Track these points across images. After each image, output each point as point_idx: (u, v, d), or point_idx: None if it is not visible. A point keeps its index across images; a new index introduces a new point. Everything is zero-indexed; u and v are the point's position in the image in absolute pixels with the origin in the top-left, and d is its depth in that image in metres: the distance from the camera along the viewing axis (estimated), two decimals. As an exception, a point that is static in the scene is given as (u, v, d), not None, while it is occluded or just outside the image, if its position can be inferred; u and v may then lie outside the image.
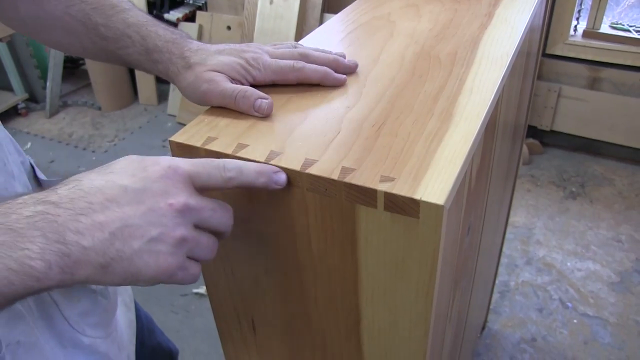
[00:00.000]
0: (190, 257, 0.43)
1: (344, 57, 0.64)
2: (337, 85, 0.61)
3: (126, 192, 0.40)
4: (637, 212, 2.38)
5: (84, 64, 3.54)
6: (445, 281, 0.53)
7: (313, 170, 0.47)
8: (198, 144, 0.52)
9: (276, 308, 0.61)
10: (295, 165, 0.48)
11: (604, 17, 2.54)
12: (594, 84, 2.61)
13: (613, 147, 2.72)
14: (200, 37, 3.02)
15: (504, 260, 2.09)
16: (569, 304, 1.91)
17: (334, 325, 0.58)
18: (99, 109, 3.32)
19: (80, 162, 2.82)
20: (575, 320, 1.84)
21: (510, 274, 2.05)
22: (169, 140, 0.53)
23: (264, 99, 0.55)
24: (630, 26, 2.56)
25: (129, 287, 0.80)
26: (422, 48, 0.70)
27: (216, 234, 0.45)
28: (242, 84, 0.57)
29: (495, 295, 1.93)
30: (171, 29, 0.60)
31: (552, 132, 2.79)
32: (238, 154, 0.50)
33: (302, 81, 0.60)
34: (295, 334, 0.62)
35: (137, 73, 3.23)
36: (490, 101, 0.57)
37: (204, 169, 0.44)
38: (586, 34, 2.57)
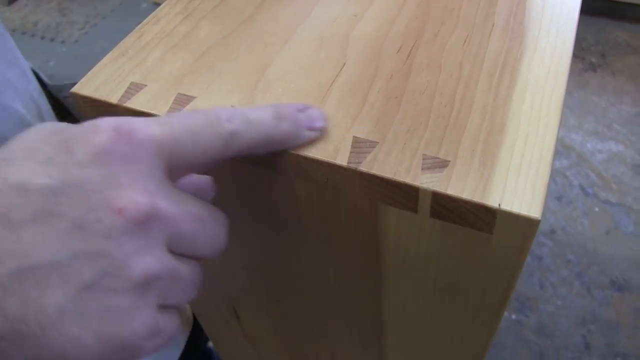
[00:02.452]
0: (162, 305, 0.22)
1: None
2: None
3: (28, 198, 0.20)
4: (664, 80, 2.17)
5: (39, -63, 3.10)
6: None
7: (301, 148, 0.27)
8: (114, 98, 0.31)
9: (262, 304, 0.44)
10: (274, 138, 0.28)
11: None
12: None
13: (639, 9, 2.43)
14: None
15: (519, 145, 1.92)
16: (590, 190, 1.77)
17: (347, 334, 0.41)
18: (64, -9, 2.95)
19: (49, 55, 2.54)
20: (596, 209, 1.71)
21: (525, 160, 1.89)
22: (71, 92, 0.33)
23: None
24: None
25: None
26: None
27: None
28: None
29: (510, 185, 1.79)
30: None
31: (573, -6, 2.47)
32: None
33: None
34: (294, 341, 0.46)
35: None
36: (582, -6, 0.35)
37: (186, 127, 0.23)
38: None
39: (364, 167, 0.26)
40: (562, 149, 1.94)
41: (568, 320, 1.45)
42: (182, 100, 0.31)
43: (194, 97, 0.31)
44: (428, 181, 0.25)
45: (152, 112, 0.30)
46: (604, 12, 2.49)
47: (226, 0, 0.38)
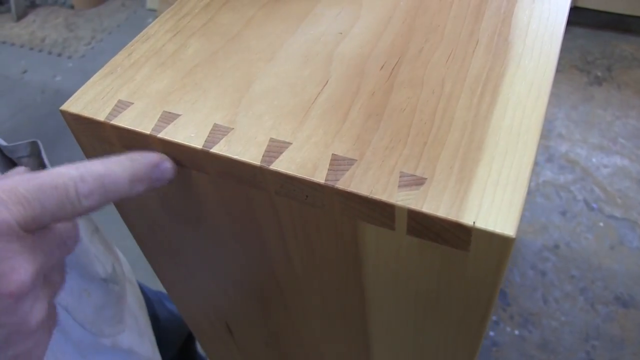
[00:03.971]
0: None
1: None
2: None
3: None
4: (669, 97, 2.16)
5: (49, -46, 3.15)
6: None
7: (283, 163, 0.28)
8: (101, 116, 0.32)
9: (254, 318, 0.44)
10: (254, 155, 0.28)
11: None
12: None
13: (645, 22, 2.43)
14: None
15: (523, 159, 1.91)
16: (595, 205, 1.76)
17: (336, 349, 0.41)
18: (72, 7, 2.99)
19: (56, 70, 2.57)
20: (601, 224, 1.70)
21: (529, 174, 1.89)
22: (60, 111, 0.33)
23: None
24: None
25: (122, 256, 0.64)
26: None
27: None
28: None
29: (514, 199, 1.78)
30: None
31: (576, 8, 2.48)
32: (161, 135, 0.30)
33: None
34: (286, 355, 0.46)
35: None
36: (567, 11, 0.36)
37: (41, 205, 0.24)
38: None
39: (341, 185, 0.26)
40: (566, 163, 1.93)
41: (572, 336, 1.43)
42: (168, 118, 0.31)
43: (178, 115, 0.31)
44: (404, 199, 0.25)
45: (137, 129, 0.31)
46: (609, 25, 2.49)
47: (215, 17, 0.38)
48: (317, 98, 0.31)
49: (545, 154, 1.97)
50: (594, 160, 1.93)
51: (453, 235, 0.25)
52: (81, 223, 0.44)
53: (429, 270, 0.28)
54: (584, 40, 2.48)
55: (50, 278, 0.26)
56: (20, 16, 2.96)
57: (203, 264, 0.40)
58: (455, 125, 0.28)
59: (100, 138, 0.33)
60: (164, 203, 0.36)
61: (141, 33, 0.38)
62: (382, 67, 0.33)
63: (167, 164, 0.30)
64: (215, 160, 0.29)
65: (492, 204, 0.24)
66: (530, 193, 1.82)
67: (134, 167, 0.27)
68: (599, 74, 2.30)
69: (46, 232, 0.25)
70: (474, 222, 0.24)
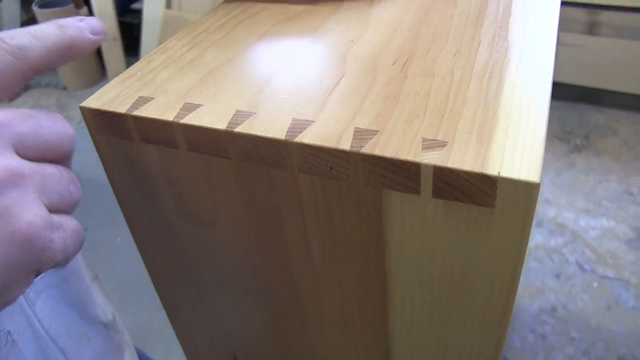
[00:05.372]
0: (51, 208, 0.23)
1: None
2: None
3: None
4: (647, 162, 2.23)
5: (44, 42, 3.27)
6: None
7: (307, 137, 0.28)
8: (123, 108, 0.33)
9: (265, 340, 0.43)
10: (278, 132, 0.29)
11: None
12: (592, 29, 2.43)
13: (615, 95, 2.56)
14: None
15: (512, 223, 1.93)
16: (587, 267, 1.76)
17: (351, 360, 0.40)
18: (64, 88, 3.07)
19: (46, 148, 2.59)
20: (595, 284, 1.69)
21: (520, 238, 1.89)
22: (80, 107, 0.34)
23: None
24: (630, -38, 2.37)
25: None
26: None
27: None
28: None
29: (507, 263, 1.78)
30: None
31: (552, 82, 2.60)
32: (184, 120, 0.31)
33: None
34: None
35: (105, 46, 2.98)
36: (557, 21, 0.38)
37: None
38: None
39: (366, 150, 0.27)
40: (556, 227, 1.95)
41: (578, 397, 1.38)
42: (189, 107, 0.32)
43: (200, 105, 0.32)
44: (428, 158, 0.26)
45: (160, 118, 0.31)
46: (583, 98, 2.61)
47: (230, 33, 0.41)
48: (335, 87, 0.32)
49: (535, 219, 1.99)
50: (582, 223, 1.95)
51: (478, 190, 0.25)
52: (82, 268, 0.43)
53: (454, 237, 0.28)
54: (561, 112, 2.59)
55: (25, 150, 0.23)
56: (12, 98, 3.02)
57: (213, 276, 0.40)
58: (469, 103, 0.30)
59: (120, 133, 0.33)
60: (179, 204, 0.36)
61: (158, 47, 0.40)
62: (394, 63, 0.34)
63: (91, 19, 0.29)
64: (238, 140, 0.30)
65: (514, 158, 0.25)
66: (521, 257, 1.82)
67: (56, 20, 0.28)
68: (578, 142, 2.38)
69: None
70: (498, 172, 0.24)
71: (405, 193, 0.27)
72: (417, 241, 0.29)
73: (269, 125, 0.30)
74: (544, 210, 2.02)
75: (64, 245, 0.23)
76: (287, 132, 0.29)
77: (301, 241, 0.33)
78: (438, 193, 0.26)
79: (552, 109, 2.58)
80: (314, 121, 0.29)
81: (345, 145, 0.27)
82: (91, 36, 0.28)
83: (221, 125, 0.30)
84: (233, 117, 0.31)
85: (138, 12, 2.85)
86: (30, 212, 0.21)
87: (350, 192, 0.29)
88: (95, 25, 0.29)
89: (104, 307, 0.44)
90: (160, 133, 0.32)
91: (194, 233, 0.37)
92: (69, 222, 0.23)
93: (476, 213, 0.26)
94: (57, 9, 2.80)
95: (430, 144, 0.27)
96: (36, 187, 0.22)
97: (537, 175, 0.24)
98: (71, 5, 2.49)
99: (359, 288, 0.34)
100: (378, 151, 0.27)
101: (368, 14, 0.41)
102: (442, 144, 0.27)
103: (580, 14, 2.39)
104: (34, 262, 0.21)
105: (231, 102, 0.32)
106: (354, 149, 0.27)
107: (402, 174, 0.27)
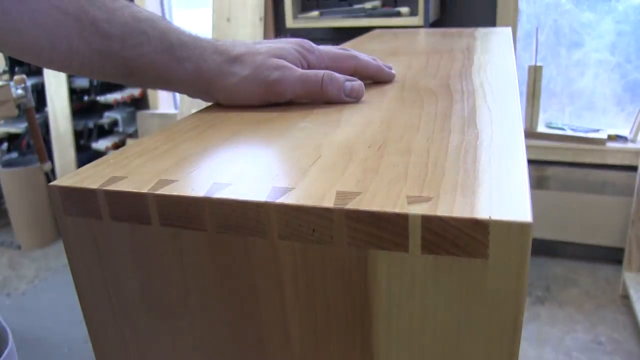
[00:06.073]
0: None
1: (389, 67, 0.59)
2: (390, 80, 0.57)
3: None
4: (609, 311, 2.25)
5: (3, 203, 3.25)
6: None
7: (288, 199, 0.28)
8: (95, 185, 0.32)
9: None
10: (257, 196, 0.28)
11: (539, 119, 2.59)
12: (541, 183, 2.59)
13: (569, 246, 2.65)
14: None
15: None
16: (567, 422, 1.66)
17: None
18: (19, 247, 2.98)
19: (-10, 309, 2.43)
20: None
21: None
22: (49, 186, 0.33)
23: (352, 80, 0.50)
24: (564, 125, 2.62)
25: None
26: (404, 84, 0.55)
27: None
28: None
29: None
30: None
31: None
32: (159, 191, 0.30)
33: (360, 70, 0.55)
34: None
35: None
36: (519, 111, 0.41)
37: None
38: (526, 134, 2.59)
39: (351, 206, 0.26)
40: (528, 380, 1.88)
41: None
42: (164, 182, 0.31)
43: (175, 180, 0.31)
44: (416, 209, 0.25)
45: (133, 190, 0.30)
46: (541, 250, 2.68)
47: (205, 131, 0.41)
48: (312, 165, 0.32)
49: (506, 372, 1.91)
50: (555, 375, 1.89)
51: (470, 239, 0.24)
52: None
53: (447, 300, 0.26)
54: (519, 264, 2.64)
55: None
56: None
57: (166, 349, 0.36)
58: (448, 171, 0.30)
59: (89, 212, 0.32)
60: (146, 291, 0.33)
61: (133, 142, 0.40)
62: (369, 147, 0.35)
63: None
64: (217, 207, 0.29)
65: (502, 202, 0.25)
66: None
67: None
68: (540, 294, 2.40)
69: None
70: (489, 216, 0.24)
71: (393, 252, 0.26)
72: (406, 309, 0.27)
73: (248, 191, 0.29)
74: (515, 361, 1.95)
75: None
76: (267, 197, 0.28)
77: (279, 327, 0.30)
78: (428, 247, 0.25)
79: (510, 260, 2.63)
80: (294, 188, 0.29)
81: (329, 203, 0.27)
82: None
83: (199, 193, 0.29)
84: (210, 187, 0.30)
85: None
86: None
87: (333, 258, 0.27)
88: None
89: None
90: (132, 208, 0.31)
91: (160, 328, 0.34)
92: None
93: (469, 267, 0.25)
94: (21, 168, 2.83)
95: (415, 199, 0.26)
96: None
97: (529, 215, 0.23)
98: (37, 164, 2.52)
99: (343, 379, 0.31)
100: (363, 207, 0.26)
101: (339, 116, 0.43)
102: (428, 199, 0.26)
103: (529, 170, 2.57)
104: None
105: (208, 177, 0.31)
106: (338, 206, 0.26)
107: (389, 229, 0.26)
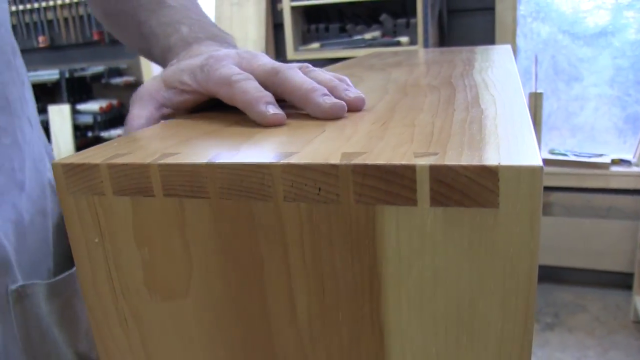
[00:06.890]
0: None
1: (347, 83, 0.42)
2: (321, 114, 0.38)
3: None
4: (621, 336, 2.20)
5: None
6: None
7: (293, 159, 0.27)
8: (98, 160, 0.31)
9: None
10: (262, 159, 0.28)
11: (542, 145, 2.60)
12: (545, 209, 2.58)
13: (576, 272, 2.62)
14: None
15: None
16: None
17: None
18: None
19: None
20: None
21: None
22: (52, 164, 0.33)
23: (271, 104, 0.38)
24: (566, 151, 2.62)
25: None
26: (406, 81, 0.55)
27: None
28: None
29: None
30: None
31: (513, 262, 2.66)
32: (164, 161, 0.30)
33: (230, 101, 0.40)
34: None
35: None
36: (523, 97, 0.41)
37: None
38: (528, 160, 2.58)
39: (357, 161, 0.26)
40: (541, 409, 1.83)
41: None
42: (167, 155, 0.31)
43: (178, 153, 0.31)
44: (424, 161, 0.25)
45: (137, 162, 0.30)
46: (548, 277, 2.65)
47: (212, 119, 0.41)
48: (317, 136, 0.32)
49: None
50: (569, 403, 1.84)
51: (480, 188, 0.24)
52: None
53: (458, 256, 0.25)
54: (526, 292, 2.60)
55: None
56: None
57: (166, 325, 0.34)
58: (454, 135, 0.30)
59: (92, 188, 0.31)
60: (148, 270, 0.32)
61: (136, 132, 0.40)
62: (373, 123, 0.35)
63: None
64: (219, 172, 0.28)
65: (509, 151, 0.25)
66: None
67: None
68: (549, 320, 2.36)
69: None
70: (499, 162, 0.23)
71: (401, 206, 0.25)
72: (416, 269, 0.26)
73: (252, 157, 0.28)
74: (527, 390, 1.90)
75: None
76: (272, 158, 0.28)
77: (284, 299, 0.30)
78: (436, 199, 0.25)
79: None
80: (298, 152, 0.29)
81: (335, 161, 0.26)
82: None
83: (201, 160, 0.29)
84: (213, 155, 0.29)
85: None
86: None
87: (340, 217, 0.27)
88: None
89: None
90: (135, 180, 0.30)
91: (162, 309, 0.33)
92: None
93: (479, 218, 0.24)
94: None
95: (422, 154, 0.26)
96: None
97: (539, 159, 0.23)
98: None
99: (351, 339, 0.30)
100: (370, 161, 0.26)
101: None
102: (435, 153, 0.26)
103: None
104: None
105: (211, 149, 0.31)
106: (344, 162, 0.26)
107: (396, 183, 0.25)
